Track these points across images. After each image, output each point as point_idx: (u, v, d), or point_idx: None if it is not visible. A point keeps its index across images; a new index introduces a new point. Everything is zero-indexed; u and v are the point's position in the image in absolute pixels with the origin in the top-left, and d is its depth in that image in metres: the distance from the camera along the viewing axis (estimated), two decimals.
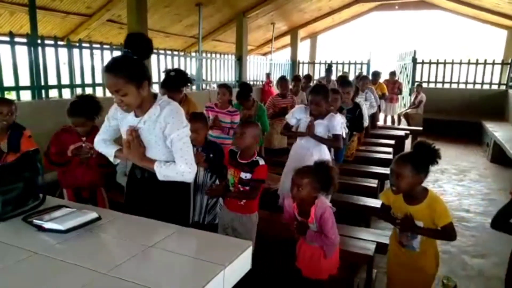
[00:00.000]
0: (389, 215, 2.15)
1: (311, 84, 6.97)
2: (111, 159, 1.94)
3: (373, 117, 6.58)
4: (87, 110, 2.61)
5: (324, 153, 3.03)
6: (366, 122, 5.38)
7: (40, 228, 1.40)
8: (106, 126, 1.97)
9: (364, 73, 9.15)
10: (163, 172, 1.77)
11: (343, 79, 5.36)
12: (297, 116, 3.15)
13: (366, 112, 5.39)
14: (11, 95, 5.08)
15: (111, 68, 1.65)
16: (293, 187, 2.09)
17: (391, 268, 2.24)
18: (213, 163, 2.61)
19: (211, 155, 2.61)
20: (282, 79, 5.25)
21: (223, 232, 2.47)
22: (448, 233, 1.94)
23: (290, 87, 5.89)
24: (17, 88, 4.08)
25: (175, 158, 1.77)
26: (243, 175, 2.33)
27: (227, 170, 2.46)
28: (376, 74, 7.88)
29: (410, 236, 2.04)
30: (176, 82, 3.09)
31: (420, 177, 1.93)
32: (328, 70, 8.05)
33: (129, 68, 1.65)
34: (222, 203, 2.62)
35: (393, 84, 8.64)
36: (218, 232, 2.48)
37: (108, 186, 2.94)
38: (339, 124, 3.02)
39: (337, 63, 11.40)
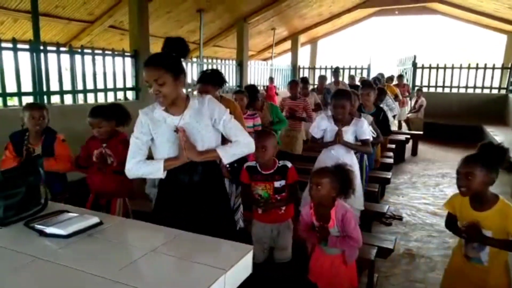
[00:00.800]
0: (456, 226, 1.98)
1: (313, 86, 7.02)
2: (159, 174, 1.83)
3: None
4: (105, 111, 2.64)
5: (354, 162, 2.92)
6: (391, 124, 5.33)
7: (42, 233, 1.41)
8: (138, 145, 1.85)
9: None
10: (230, 152, 1.84)
11: (364, 81, 5.31)
12: (322, 127, 3.01)
13: (390, 116, 5.33)
14: (13, 101, 5.13)
15: (151, 61, 1.75)
16: (312, 186, 2.05)
17: (452, 285, 2.04)
18: (237, 173, 2.58)
19: (235, 165, 2.57)
20: (292, 82, 5.34)
21: (262, 249, 2.43)
22: None
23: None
24: (20, 94, 4.11)
25: (236, 135, 1.86)
26: (277, 184, 2.32)
27: (248, 187, 2.39)
28: (382, 77, 7.85)
29: (477, 247, 1.86)
30: (213, 77, 3.08)
31: (491, 177, 1.80)
32: (336, 72, 8.07)
33: (167, 60, 1.76)
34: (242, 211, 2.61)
35: (402, 88, 8.63)
36: (255, 249, 2.43)
37: (132, 194, 2.88)
38: (366, 128, 2.95)
39: (337, 68, 11.43)
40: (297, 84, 5.28)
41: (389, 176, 4.63)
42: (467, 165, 1.82)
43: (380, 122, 3.88)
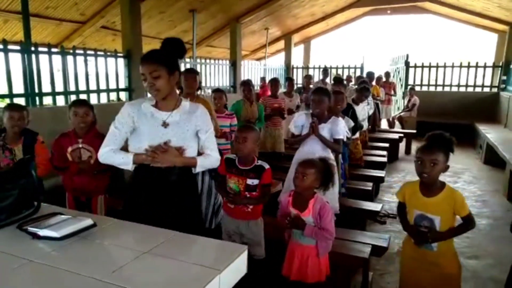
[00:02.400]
0: (405, 218, 2.12)
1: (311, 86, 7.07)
2: (129, 167, 1.87)
3: (374, 118, 6.62)
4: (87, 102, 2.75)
5: (331, 159, 3.00)
6: (365, 123, 5.41)
7: (35, 236, 1.40)
8: (115, 135, 1.89)
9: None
10: (204, 164, 1.97)
11: (335, 78, 5.46)
12: (300, 123, 3.14)
13: (366, 113, 5.42)
14: (4, 102, 5.07)
15: (148, 56, 1.83)
16: (297, 175, 2.13)
17: (407, 273, 2.15)
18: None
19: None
20: (273, 80, 5.38)
21: (229, 239, 2.45)
22: (470, 221, 1.96)
23: (283, 89, 5.96)
24: (11, 95, 4.06)
25: (209, 149, 1.99)
26: (250, 181, 2.31)
27: (224, 178, 2.42)
28: (371, 77, 7.91)
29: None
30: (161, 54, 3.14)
31: (447, 165, 1.97)
32: (325, 73, 8.16)
33: (163, 55, 1.86)
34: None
35: (389, 86, 8.70)
36: (223, 239, 2.46)
37: (109, 191, 2.93)
38: (342, 128, 3.06)
39: (330, 68, 11.48)
40: (277, 82, 5.33)
41: (383, 175, 4.67)
42: (432, 152, 1.94)
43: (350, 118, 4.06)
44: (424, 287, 2.04)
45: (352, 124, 3.85)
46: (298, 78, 11.74)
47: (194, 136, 1.96)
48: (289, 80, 6.22)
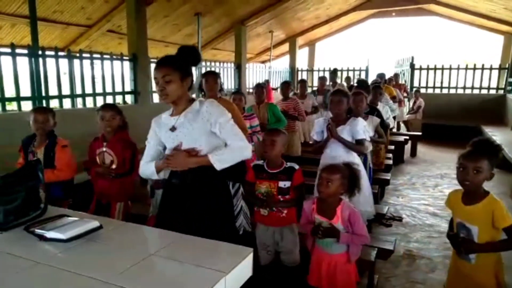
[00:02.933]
0: (451, 224, 2.05)
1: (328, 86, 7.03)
2: (155, 175, 1.93)
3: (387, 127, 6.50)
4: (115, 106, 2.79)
5: (358, 163, 2.89)
6: (391, 123, 5.31)
7: (42, 238, 1.41)
8: (148, 148, 2.00)
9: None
10: (222, 157, 1.80)
11: (360, 81, 5.41)
12: (319, 129, 3.06)
13: (386, 114, 5.29)
14: (12, 106, 5.13)
15: (162, 60, 1.85)
16: (322, 182, 2.05)
17: (450, 282, 2.09)
18: (232, 171, 2.58)
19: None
20: (283, 84, 5.42)
21: (266, 251, 2.43)
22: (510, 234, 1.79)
23: (294, 91, 5.95)
24: (18, 98, 4.10)
25: (228, 140, 1.85)
26: (282, 184, 2.29)
27: (252, 186, 2.39)
28: (382, 77, 7.81)
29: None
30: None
31: (492, 173, 1.84)
32: (334, 74, 8.11)
33: (177, 60, 1.86)
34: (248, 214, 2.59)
35: (399, 88, 8.58)
36: (259, 252, 2.44)
37: (132, 197, 2.91)
38: (362, 128, 2.96)
39: (335, 70, 11.46)
40: (288, 85, 5.34)
41: (389, 177, 4.64)
42: (476, 160, 1.82)
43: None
44: None
45: (377, 121, 3.70)
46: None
47: (206, 133, 1.84)
48: (302, 82, 6.28)
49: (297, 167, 2.34)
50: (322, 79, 7.30)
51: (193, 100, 1.92)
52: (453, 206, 2.00)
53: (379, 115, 4.04)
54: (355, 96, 3.40)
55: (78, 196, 2.88)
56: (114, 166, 2.66)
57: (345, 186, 2.07)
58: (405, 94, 8.82)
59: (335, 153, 2.89)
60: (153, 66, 5.84)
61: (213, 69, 8.18)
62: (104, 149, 2.67)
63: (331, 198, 2.06)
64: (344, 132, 2.93)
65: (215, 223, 1.89)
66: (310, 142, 3.40)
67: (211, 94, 3.50)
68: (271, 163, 2.36)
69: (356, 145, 2.96)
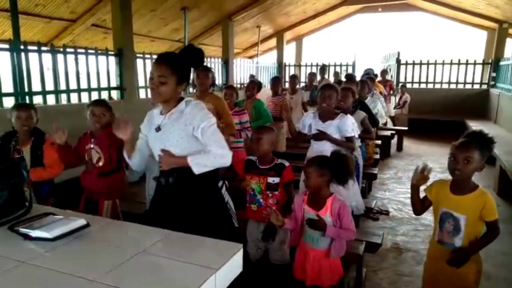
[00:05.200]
0: (419, 200, 2.08)
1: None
2: (126, 159, 2.02)
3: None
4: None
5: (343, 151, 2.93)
6: (381, 119, 5.31)
7: (27, 237, 1.38)
8: (139, 141, 2.00)
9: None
10: (201, 162, 1.77)
11: (347, 75, 5.39)
12: (307, 122, 3.06)
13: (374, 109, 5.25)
14: None
15: (164, 58, 1.79)
16: (305, 175, 2.08)
17: (427, 275, 2.10)
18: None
19: None
20: (272, 79, 5.39)
21: (256, 248, 2.44)
22: (496, 228, 1.87)
23: (283, 87, 5.94)
24: (0, 94, 4.00)
25: (209, 145, 1.78)
26: (271, 179, 2.34)
27: (243, 179, 2.41)
28: (370, 73, 7.81)
29: (452, 232, 1.92)
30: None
31: (482, 164, 1.87)
32: (322, 70, 8.14)
33: (179, 62, 1.80)
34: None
35: (385, 84, 8.63)
36: (249, 248, 2.45)
37: (122, 196, 2.87)
38: (350, 125, 2.95)
39: (323, 65, 11.50)
40: (277, 80, 5.32)
41: (376, 172, 4.69)
42: (466, 149, 1.85)
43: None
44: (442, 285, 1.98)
45: (362, 115, 3.65)
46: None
47: (187, 136, 1.80)
48: (292, 77, 6.25)
49: (287, 164, 2.37)
50: (311, 75, 7.30)
51: (181, 99, 1.88)
52: (437, 195, 2.01)
53: (363, 108, 4.01)
54: (342, 92, 3.41)
55: (59, 195, 2.83)
56: (101, 164, 2.62)
57: (327, 176, 2.04)
58: (391, 92, 8.85)
59: (322, 148, 2.89)
60: (139, 61, 5.80)
61: None
62: (92, 145, 2.63)
63: (321, 191, 2.07)
64: (332, 127, 2.94)
65: (205, 220, 1.88)
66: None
67: (202, 89, 3.49)
68: (262, 160, 2.40)
69: (347, 143, 2.96)
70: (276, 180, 2.33)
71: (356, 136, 3.10)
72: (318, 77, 7.79)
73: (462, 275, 1.90)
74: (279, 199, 2.37)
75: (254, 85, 4.63)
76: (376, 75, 8.43)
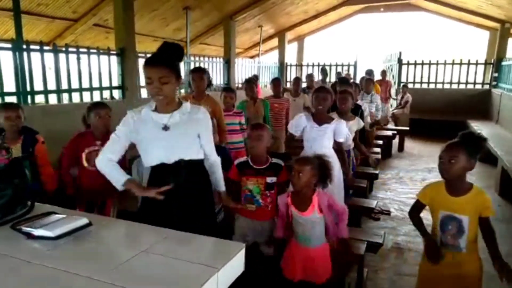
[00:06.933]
0: (422, 224, 2.10)
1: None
2: (118, 186, 1.87)
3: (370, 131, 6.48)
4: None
5: (332, 155, 2.93)
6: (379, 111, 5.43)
7: (30, 236, 1.38)
8: (115, 143, 1.89)
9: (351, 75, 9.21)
10: (222, 182, 2.14)
11: (340, 79, 5.40)
12: (300, 125, 3.03)
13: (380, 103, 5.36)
14: None
15: (158, 59, 1.79)
16: (294, 174, 2.10)
17: (423, 277, 2.08)
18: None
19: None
20: (274, 80, 5.35)
21: (243, 242, 2.45)
22: (490, 224, 1.89)
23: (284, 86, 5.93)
24: (2, 94, 4.01)
25: (209, 150, 2.00)
26: (269, 179, 2.33)
27: (237, 184, 2.40)
28: (371, 73, 7.79)
29: (456, 234, 1.91)
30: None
31: (471, 163, 1.88)
32: (323, 71, 8.12)
33: (171, 60, 1.82)
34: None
35: (385, 84, 8.62)
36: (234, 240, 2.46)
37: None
38: (344, 132, 2.99)
39: (324, 65, 11.49)
40: (279, 82, 5.29)
41: (377, 172, 4.69)
42: (450, 150, 1.89)
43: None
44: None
45: (362, 125, 3.73)
46: (292, 76, 11.72)
47: (195, 137, 1.92)
48: (296, 79, 6.14)
49: (282, 163, 2.37)
50: (310, 77, 7.31)
51: (179, 99, 1.93)
52: (433, 199, 2.01)
53: (362, 115, 4.13)
54: (340, 95, 3.43)
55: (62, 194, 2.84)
56: None
57: (316, 176, 2.11)
58: (387, 94, 8.73)
59: (315, 149, 2.89)
60: (141, 60, 5.79)
61: (201, 64, 8.12)
62: (97, 148, 2.62)
63: (305, 189, 2.11)
64: (328, 131, 2.96)
65: (201, 218, 1.91)
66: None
67: (198, 90, 3.49)
68: (256, 159, 2.37)
69: (344, 155, 3.10)
70: (274, 179, 2.34)
71: (346, 142, 3.15)
72: (318, 78, 7.77)
73: (466, 275, 1.91)
74: (274, 198, 2.38)
75: (253, 85, 4.61)
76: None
